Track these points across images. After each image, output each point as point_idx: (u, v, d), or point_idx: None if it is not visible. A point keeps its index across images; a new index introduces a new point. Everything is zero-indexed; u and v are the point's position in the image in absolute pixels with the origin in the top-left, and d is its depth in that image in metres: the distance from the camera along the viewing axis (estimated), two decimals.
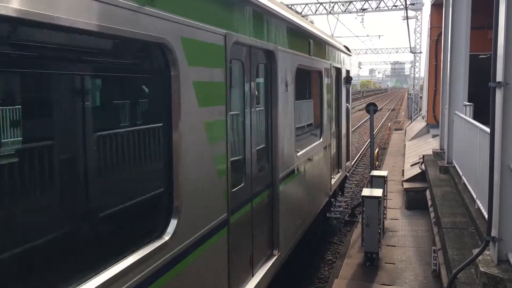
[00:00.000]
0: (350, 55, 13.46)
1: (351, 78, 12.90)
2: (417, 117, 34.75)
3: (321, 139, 9.08)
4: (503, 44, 5.45)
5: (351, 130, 14.23)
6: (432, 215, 9.82)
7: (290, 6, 37.91)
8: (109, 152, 3.14)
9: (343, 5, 36.02)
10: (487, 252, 5.82)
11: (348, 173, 13.47)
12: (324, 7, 36.29)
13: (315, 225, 9.27)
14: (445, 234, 7.33)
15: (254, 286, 5.23)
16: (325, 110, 9.45)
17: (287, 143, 6.70)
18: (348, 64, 13.05)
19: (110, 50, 3.17)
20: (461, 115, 10.42)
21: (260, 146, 5.81)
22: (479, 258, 5.75)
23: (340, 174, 11.54)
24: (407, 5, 31.86)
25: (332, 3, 35.78)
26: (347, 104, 12.78)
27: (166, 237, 3.48)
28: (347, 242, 10.30)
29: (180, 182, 3.64)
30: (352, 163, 20.73)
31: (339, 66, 11.13)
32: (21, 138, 2.53)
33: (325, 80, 9.48)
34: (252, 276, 5.42)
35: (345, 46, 13.03)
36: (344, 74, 12.03)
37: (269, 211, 6.12)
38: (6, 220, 2.41)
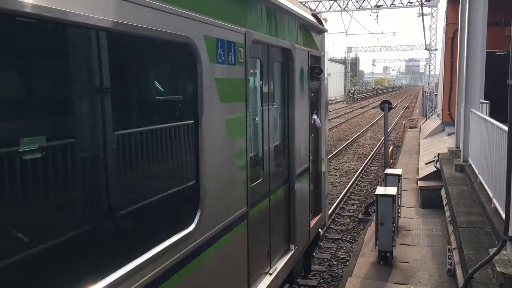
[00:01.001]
0: (323, 31, 8.05)
1: (321, 70, 7.47)
2: (432, 115, 34.46)
3: (194, 225, 3.76)
4: None
5: (326, 159, 8.74)
6: (447, 214, 9.72)
7: (304, 3, 37.90)
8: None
9: (357, 2, 35.83)
10: (504, 252, 5.74)
11: (322, 229, 8.63)
12: (338, 4, 36.14)
13: None
14: (461, 233, 7.25)
15: None
16: (222, 142, 4.30)
17: None
18: (318, 45, 7.72)
19: None
20: (478, 113, 10.28)
21: None
22: (495, 258, 5.67)
23: (290, 254, 6.22)
24: (423, 2, 31.55)
25: (347, 0, 35.61)
26: (315, 117, 7.63)
27: None
28: (360, 241, 10.24)
29: None
30: (368, 160, 20.55)
31: (285, 45, 5.96)
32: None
33: (222, 71, 4.19)
34: None
35: (314, 15, 7.86)
36: (304, 62, 6.75)
37: None
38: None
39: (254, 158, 5.18)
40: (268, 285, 5.27)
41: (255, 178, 5.12)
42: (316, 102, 7.87)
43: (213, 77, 3.96)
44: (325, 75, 8.22)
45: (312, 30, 7.39)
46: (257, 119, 5.37)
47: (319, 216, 7.95)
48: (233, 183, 4.47)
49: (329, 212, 12.74)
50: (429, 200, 12.58)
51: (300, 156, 6.58)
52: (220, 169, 4.18)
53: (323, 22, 8.22)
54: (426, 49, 40.50)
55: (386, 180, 10.95)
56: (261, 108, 5.40)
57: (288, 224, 6.31)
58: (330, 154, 22.62)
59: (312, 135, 7.42)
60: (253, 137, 5.21)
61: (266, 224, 5.54)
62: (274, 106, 5.80)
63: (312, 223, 7.45)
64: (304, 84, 6.76)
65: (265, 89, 5.49)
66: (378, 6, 35.94)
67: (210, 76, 3.92)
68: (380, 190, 9.21)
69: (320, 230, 8.27)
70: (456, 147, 13.32)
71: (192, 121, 3.80)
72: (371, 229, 10.48)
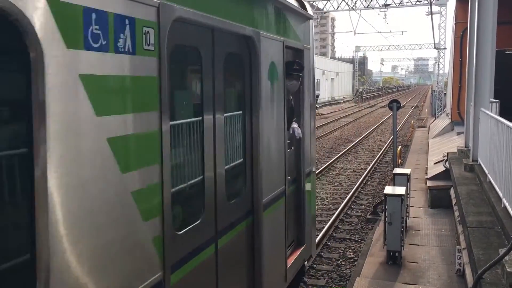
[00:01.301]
0: (308, 18, 6.44)
1: (302, 66, 6.01)
2: (441, 114, 34.25)
3: None
4: None
5: (313, 177, 7.16)
6: (457, 214, 9.65)
7: (311, 2, 37.87)
8: None
9: (365, 0, 35.70)
10: None
11: (308, 260, 7.44)
12: (346, 3, 36.05)
13: None
14: (470, 233, 7.20)
15: None
16: (102, 178, 2.60)
17: None
18: (300, 35, 6.16)
19: None
20: (487, 112, 10.20)
21: None
22: (505, 258, 5.62)
23: None
24: (431, 0, 31.37)
25: None
26: (294, 126, 6.05)
27: None
28: (369, 240, 10.21)
29: None
30: (376, 159, 20.46)
31: (244, 32, 4.44)
32: None
33: (99, 64, 2.55)
34: None
35: None
36: (276, 55, 5.21)
37: None
38: None
39: (184, 193, 3.68)
40: None
41: (186, 222, 3.57)
42: (298, 106, 6.22)
43: (74, 73, 2.37)
44: (311, 72, 6.65)
45: (290, 15, 5.73)
46: (192, 134, 3.72)
47: (301, 248, 6.29)
48: (131, 241, 2.79)
49: (337, 212, 12.70)
50: (438, 200, 12.49)
51: (270, 178, 4.97)
52: (97, 225, 2.51)
53: (308, 7, 6.58)
54: (435, 48, 40.27)
55: (395, 179, 10.90)
56: (201, 118, 3.76)
57: (252, 273, 4.71)
58: (339, 153, 22.56)
59: (292, 148, 6.01)
60: (183, 161, 3.64)
61: (211, 283, 3.96)
62: (227, 115, 4.22)
63: (291, 260, 5.83)
64: (277, 84, 5.14)
65: (209, 91, 3.86)
66: (386, 5, 35.80)
67: (67, 72, 2.33)
68: (388, 189, 9.16)
69: (305, 262, 6.66)
70: (465, 147, 13.22)
71: (25, 150, 2.21)
72: (379, 229, 10.44)
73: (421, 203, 12.92)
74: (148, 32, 2.90)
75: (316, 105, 48.99)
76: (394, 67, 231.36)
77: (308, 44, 6.51)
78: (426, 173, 14.96)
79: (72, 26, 2.34)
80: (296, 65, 5.79)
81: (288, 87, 5.65)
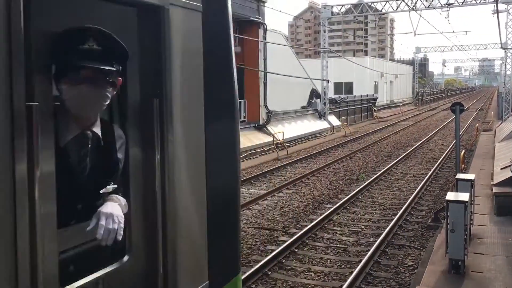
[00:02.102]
0: None
1: (124, 51, 2.02)
2: (508, 117, 32.68)
3: None
4: None
5: None
6: None
7: (370, 3, 37.20)
8: None
9: (426, 0, 34.64)
10: None
11: None
12: (406, 4, 35.15)
13: None
14: None
15: None
16: None
17: None
18: None
19: None
20: None
21: None
22: None
23: None
24: None
25: None
26: (101, 212, 2.03)
27: None
28: (429, 248, 9.88)
29: None
30: (438, 164, 19.83)
31: None
32: None
33: None
34: None
35: None
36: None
37: None
38: None
39: None
40: None
41: None
42: (130, 150, 2.22)
43: None
44: (215, 65, 2.78)
45: None
46: None
47: None
48: None
49: (396, 218, 12.36)
50: (505, 207, 11.91)
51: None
52: None
53: None
54: (501, 47, 38.47)
55: (458, 185, 10.51)
56: None
57: None
58: (398, 157, 21.99)
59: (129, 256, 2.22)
60: None
61: None
62: None
63: None
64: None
65: None
66: (449, 5, 34.53)
67: None
68: (450, 195, 8.83)
69: None
70: None
71: None
72: (441, 236, 10.08)
73: (486, 210, 12.37)
74: None
75: (374, 108, 48.50)
76: (457, 69, 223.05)
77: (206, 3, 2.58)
78: (492, 179, 14.33)
79: None
80: (91, 40, 1.97)
81: (68, 99, 2.04)
